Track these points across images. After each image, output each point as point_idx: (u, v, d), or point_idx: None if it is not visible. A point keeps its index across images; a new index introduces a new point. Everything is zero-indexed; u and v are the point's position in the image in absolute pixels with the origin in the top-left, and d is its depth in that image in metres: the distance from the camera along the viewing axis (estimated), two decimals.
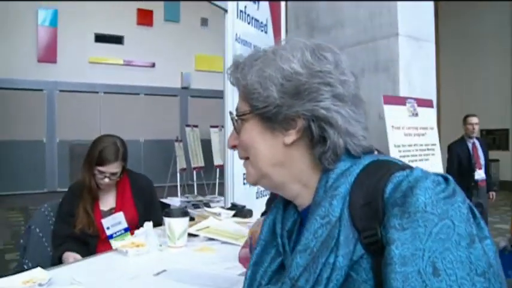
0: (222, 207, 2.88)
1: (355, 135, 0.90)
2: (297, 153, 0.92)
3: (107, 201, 2.68)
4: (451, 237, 0.73)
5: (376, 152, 0.95)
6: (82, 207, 2.57)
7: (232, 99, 2.98)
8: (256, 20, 3.72)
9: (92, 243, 2.57)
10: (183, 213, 1.99)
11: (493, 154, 13.42)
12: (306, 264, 0.82)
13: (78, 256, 2.31)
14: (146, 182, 2.92)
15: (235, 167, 3.00)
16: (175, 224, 1.96)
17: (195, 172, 11.17)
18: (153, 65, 12.08)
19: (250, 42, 3.56)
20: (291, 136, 0.90)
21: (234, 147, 1.00)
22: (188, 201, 5.15)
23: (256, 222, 1.77)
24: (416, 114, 3.61)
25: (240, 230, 2.29)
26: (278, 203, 1.04)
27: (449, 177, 0.80)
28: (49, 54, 10.89)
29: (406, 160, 3.60)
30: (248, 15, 3.57)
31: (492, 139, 13.58)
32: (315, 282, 0.81)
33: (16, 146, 9.51)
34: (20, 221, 8.57)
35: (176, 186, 10.21)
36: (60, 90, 11.03)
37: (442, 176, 0.81)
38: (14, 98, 9.21)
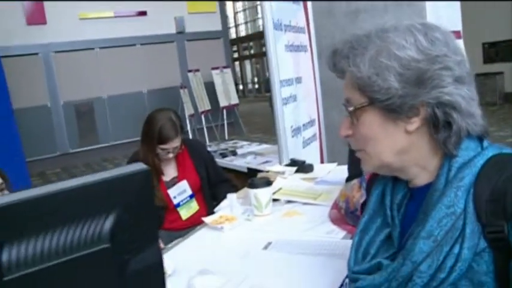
0: (282, 164, 2.91)
1: (475, 115, 0.90)
2: (418, 139, 0.92)
3: (169, 172, 2.73)
4: None
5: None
6: None
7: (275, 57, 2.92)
8: None
9: (161, 214, 2.64)
10: (267, 182, 2.02)
11: (497, 67, 13.34)
12: (429, 251, 0.85)
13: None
14: (201, 145, 3.02)
15: (285, 121, 3.00)
16: (262, 194, 1.99)
17: (203, 116, 11.19)
18: (145, 13, 11.75)
19: None
20: (415, 124, 0.90)
21: (347, 137, 0.99)
22: (215, 151, 5.18)
23: (349, 187, 1.79)
24: None
25: (311, 187, 2.33)
26: (386, 176, 1.04)
27: None
28: (38, 16, 10.56)
29: None
30: None
31: (495, 52, 13.35)
32: (438, 269, 0.84)
33: (22, 114, 9.41)
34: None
35: (186, 131, 10.24)
36: (55, 52, 10.78)
37: None
38: (10, 65, 8.98)
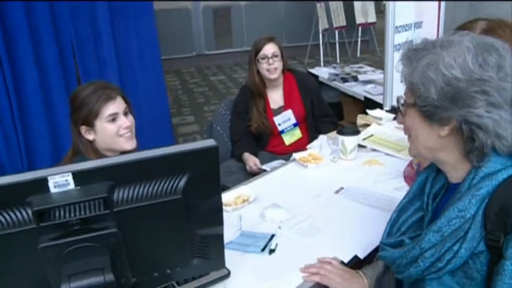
0: (379, 107, 3.05)
1: (505, 137, 1.00)
2: (449, 144, 1.08)
3: (276, 100, 3.00)
4: None
5: None
6: (255, 108, 2.93)
7: None
8: None
9: (265, 137, 2.97)
10: (355, 131, 2.24)
11: None
12: (435, 243, 1.05)
13: (257, 161, 2.72)
14: (311, 79, 3.23)
15: (394, 65, 3.07)
16: (348, 141, 2.20)
17: (337, 32, 11.08)
18: None
19: None
20: (445, 131, 1.05)
21: (400, 123, 1.18)
22: (337, 74, 5.31)
23: None
24: None
25: (402, 139, 2.47)
26: (433, 165, 1.23)
27: None
28: None
29: None
30: None
31: None
32: (438, 259, 1.05)
33: (163, 14, 10.00)
34: (177, 85, 9.40)
35: (318, 45, 10.27)
36: None
37: None
38: None
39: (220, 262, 1.25)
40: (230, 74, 10.15)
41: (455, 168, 1.11)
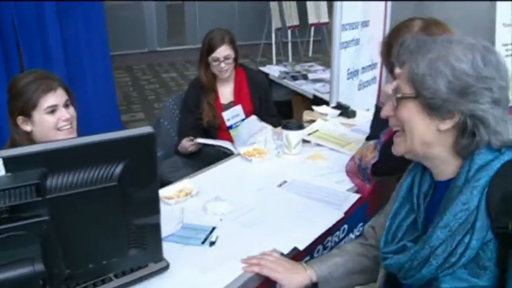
0: (326, 104, 3.10)
1: (501, 133, 1.06)
2: (445, 139, 1.11)
3: (226, 95, 3.00)
4: None
5: None
6: (206, 102, 2.92)
7: None
8: None
9: (214, 132, 2.96)
10: (299, 126, 2.27)
11: None
12: (444, 239, 1.07)
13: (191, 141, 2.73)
14: (261, 77, 3.24)
15: (342, 64, 3.15)
16: (292, 136, 2.23)
17: (289, 31, 11.17)
18: None
19: None
20: (447, 125, 1.08)
21: (388, 116, 1.19)
22: (287, 73, 5.36)
23: (366, 146, 1.97)
24: None
25: (345, 134, 2.54)
26: (417, 166, 1.26)
27: None
28: None
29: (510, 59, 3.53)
30: None
31: None
32: (450, 254, 1.07)
33: (114, 8, 9.81)
34: (127, 81, 9.24)
35: (271, 44, 10.35)
36: None
37: None
38: None
39: (157, 253, 1.25)
40: (182, 71, 10.08)
41: (445, 164, 1.14)
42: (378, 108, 2.02)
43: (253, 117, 2.86)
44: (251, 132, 2.63)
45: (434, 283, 1.11)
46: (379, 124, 1.95)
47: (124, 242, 1.14)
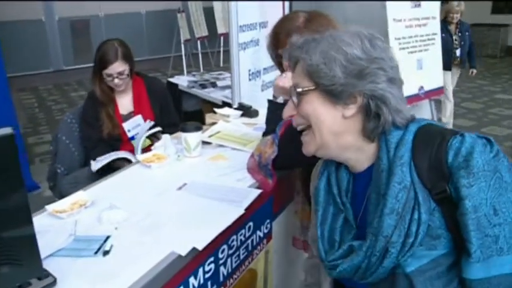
0: (231, 107, 3.10)
1: (402, 111, 1.12)
2: (353, 125, 1.13)
3: (125, 106, 2.92)
4: (502, 185, 1.01)
5: None
6: (105, 113, 2.82)
7: None
8: None
9: (117, 145, 2.87)
10: (196, 127, 2.24)
11: (504, 18, 12.95)
12: (395, 224, 1.07)
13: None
14: (160, 85, 3.19)
15: (240, 64, 3.16)
16: (191, 138, 2.20)
17: (199, 42, 11.17)
18: None
19: None
20: (351, 110, 1.11)
21: (290, 117, 1.20)
22: (195, 82, 5.34)
23: (264, 142, 1.97)
24: (419, 5, 3.66)
25: (247, 133, 2.54)
26: (329, 166, 1.27)
27: (491, 138, 1.05)
28: None
29: (405, 52, 3.73)
30: None
31: (505, 2, 12.83)
32: (406, 235, 1.07)
33: (14, 26, 9.39)
34: (33, 103, 8.85)
35: (181, 56, 10.29)
36: None
37: (485, 138, 1.05)
38: None
39: (36, 267, 1.17)
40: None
41: (360, 151, 1.16)
42: (271, 103, 2.03)
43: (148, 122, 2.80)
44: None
45: (397, 271, 1.10)
46: (274, 118, 1.95)
47: None
